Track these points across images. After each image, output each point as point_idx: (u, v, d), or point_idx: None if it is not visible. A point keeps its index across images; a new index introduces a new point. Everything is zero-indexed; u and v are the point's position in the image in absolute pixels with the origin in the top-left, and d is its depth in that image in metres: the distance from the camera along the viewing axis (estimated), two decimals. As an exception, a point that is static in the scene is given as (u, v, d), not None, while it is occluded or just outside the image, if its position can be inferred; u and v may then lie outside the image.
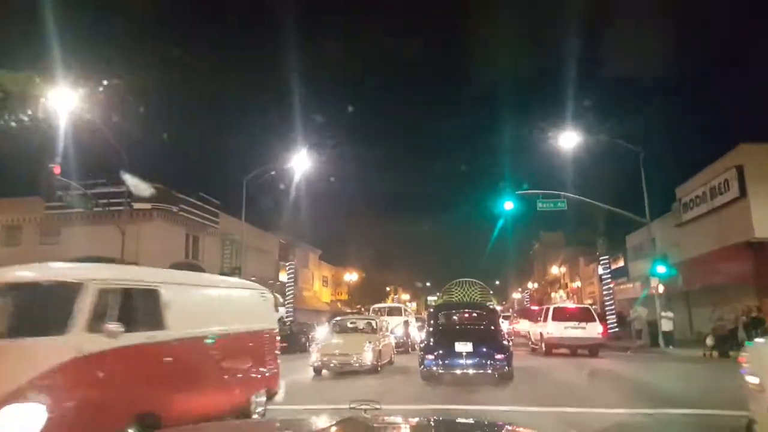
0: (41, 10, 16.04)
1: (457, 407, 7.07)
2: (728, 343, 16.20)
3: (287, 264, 30.31)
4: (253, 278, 30.45)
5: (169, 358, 3.91)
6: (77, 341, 3.41)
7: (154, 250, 21.11)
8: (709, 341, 16.03)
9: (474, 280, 19.47)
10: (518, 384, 9.52)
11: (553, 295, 51.42)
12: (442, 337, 9.87)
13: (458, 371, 9.22)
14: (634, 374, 11.18)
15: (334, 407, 4.27)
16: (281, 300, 31.19)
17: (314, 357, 11.48)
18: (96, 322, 3.54)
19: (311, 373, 11.55)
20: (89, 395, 3.38)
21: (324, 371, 11.61)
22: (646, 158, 20.31)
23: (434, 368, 9.28)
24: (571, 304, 24.62)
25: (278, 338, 5.92)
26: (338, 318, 15.34)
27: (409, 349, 19.27)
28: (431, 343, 9.83)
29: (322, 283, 47.65)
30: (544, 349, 17.35)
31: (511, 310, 42.18)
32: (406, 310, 22.05)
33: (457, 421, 2.57)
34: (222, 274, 24.99)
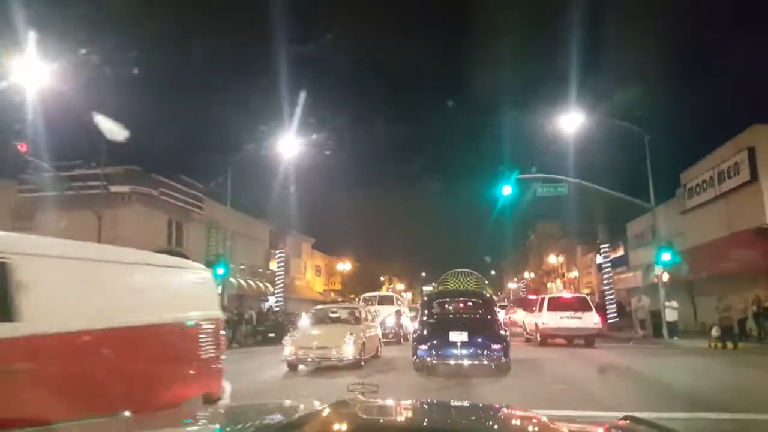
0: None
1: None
2: (735, 335, 15.50)
3: (277, 252, 29.37)
4: (242, 266, 29.70)
5: (22, 365, 2.65)
6: None
7: (133, 236, 19.98)
8: (715, 332, 15.34)
9: (470, 270, 19.24)
10: (518, 378, 8.87)
11: (549, 285, 50.76)
12: (436, 327, 9.53)
13: (452, 362, 8.91)
14: (644, 368, 10.29)
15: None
16: (271, 289, 30.40)
17: (287, 350, 10.22)
18: None
19: (284, 368, 10.43)
20: None
21: (300, 367, 10.54)
22: (650, 143, 19.37)
23: (427, 359, 8.92)
24: (567, 294, 24.16)
25: (222, 330, 4.70)
26: (318, 307, 13.95)
27: (401, 340, 18.42)
28: (424, 333, 9.48)
29: (315, 273, 46.74)
30: (539, 339, 17.02)
31: (506, 299, 41.49)
32: (398, 299, 21.11)
33: (454, 404, 2.45)
34: (207, 262, 24.20)
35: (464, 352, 8.81)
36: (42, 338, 2.71)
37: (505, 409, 1.97)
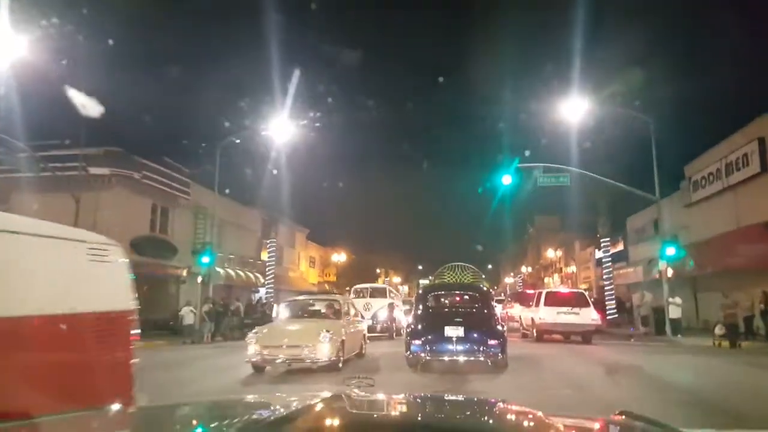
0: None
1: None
2: (741, 333, 14.84)
3: (268, 241, 28.49)
4: (231, 256, 28.85)
5: None
6: None
7: (114, 220, 19.09)
8: (719, 330, 14.73)
9: (467, 264, 19.04)
10: (515, 375, 8.33)
11: (546, 279, 50.15)
12: (431, 321, 9.20)
13: (447, 358, 8.62)
14: (654, 368, 9.47)
15: None
16: (262, 280, 29.57)
17: (251, 350, 8.66)
18: None
19: (249, 370, 8.93)
20: None
21: (268, 368, 8.98)
22: (654, 133, 18.53)
23: (421, 354, 8.62)
24: (564, 289, 23.63)
25: (133, 328, 3.64)
26: (292, 299, 12.32)
27: (394, 334, 17.66)
28: (419, 327, 9.17)
29: (309, 264, 45.95)
30: (535, 335, 16.60)
31: (503, 294, 40.82)
32: (391, 292, 20.29)
33: (449, 398, 2.41)
34: (193, 251, 23.33)
35: (460, 347, 8.50)
36: None
37: (500, 404, 1.96)
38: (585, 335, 15.69)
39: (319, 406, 1.70)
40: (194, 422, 1.75)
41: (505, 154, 18.62)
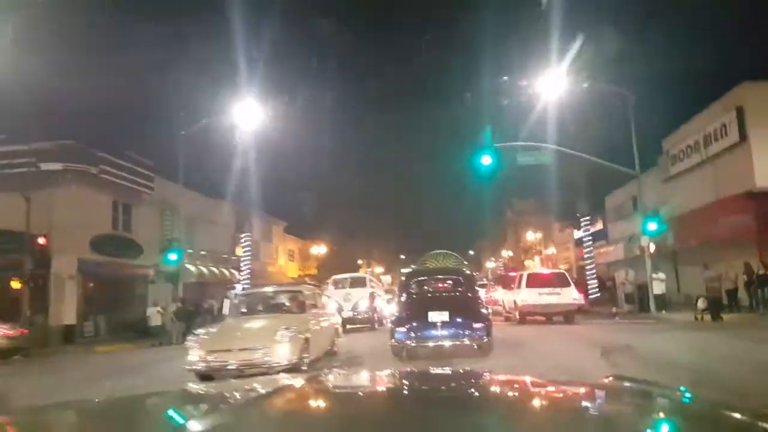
0: None
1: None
2: (723, 306, 14.72)
3: (243, 236, 27.40)
4: (203, 252, 27.64)
5: None
6: None
7: (71, 220, 17.85)
8: (701, 304, 14.59)
9: (449, 252, 19.39)
10: (507, 361, 8.03)
11: (527, 262, 50.30)
12: (415, 307, 9.08)
13: (432, 344, 8.42)
14: (646, 346, 9.03)
15: None
16: (237, 276, 28.51)
17: (193, 356, 7.14)
18: None
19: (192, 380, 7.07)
20: None
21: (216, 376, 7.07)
22: (633, 106, 18.18)
23: (407, 341, 8.42)
24: (545, 270, 23.46)
25: None
26: (248, 291, 11.28)
27: (375, 325, 17.01)
28: (403, 315, 9.08)
29: (288, 258, 44.95)
30: (518, 317, 16.48)
31: (485, 278, 40.68)
32: (371, 281, 19.57)
33: (436, 372, 2.37)
34: (161, 249, 22.09)
35: (445, 332, 8.35)
36: None
37: (486, 374, 1.96)
38: (567, 315, 15.79)
39: (301, 386, 1.69)
40: (171, 411, 1.60)
41: (484, 134, 17.92)
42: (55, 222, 17.68)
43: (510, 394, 1.67)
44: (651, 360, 7.54)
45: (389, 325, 9.53)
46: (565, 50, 17.06)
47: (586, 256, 23.48)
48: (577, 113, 20.17)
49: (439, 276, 11.50)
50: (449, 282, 10.61)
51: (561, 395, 1.58)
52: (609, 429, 1.22)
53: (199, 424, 1.27)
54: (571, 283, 16.62)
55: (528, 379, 1.68)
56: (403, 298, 9.81)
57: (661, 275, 17.24)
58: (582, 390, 1.61)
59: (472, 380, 1.91)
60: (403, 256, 72.14)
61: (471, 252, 75.17)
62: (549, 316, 16.15)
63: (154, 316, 17.91)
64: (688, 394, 1.51)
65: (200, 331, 8.03)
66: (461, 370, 2.62)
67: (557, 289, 15.89)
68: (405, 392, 1.69)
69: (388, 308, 18.26)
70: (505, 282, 21.92)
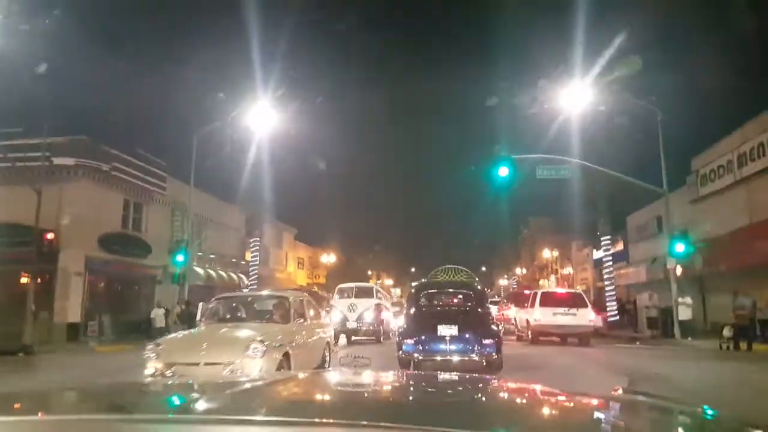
0: None
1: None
2: (751, 335, 13.80)
3: (252, 240, 27.06)
4: (212, 255, 27.34)
5: None
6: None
7: (80, 216, 17.66)
8: (727, 332, 13.70)
9: (460, 267, 19.12)
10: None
11: (542, 281, 49.06)
12: (424, 320, 8.97)
13: (440, 357, 8.29)
14: (683, 375, 8.19)
15: None
16: (245, 281, 28.12)
17: (149, 369, 6.12)
18: None
19: None
20: None
21: None
22: (661, 124, 17.44)
23: (414, 354, 8.30)
24: (560, 289, 22.59)
25: None
26: (226, 295, 9.68)
27: (381, 337, 16.34)
28: (411, 327, 8.98)
29: (297, 265, 44.52)
30: (530, 336, 15.88)
31: (497, 296, 39.64)
32: (378, 292, 18.91)
33: (445, 376, 2.29)
34: (170, 249, 21.81)
35: (453, 347, 8.24)
36: None
37: (494, 381, 1.99)
38: (582, 337, 15.16)
39: (309, 382, 1.75)
40: (181, 398, 1.55)
41: (502, 145, 17.35)
42: (65, 217, 17.50)
43: (518, 401, 1.64)
44: (688, 391, 6.74)
45: (397, 338, 9.32)
46: (591, 61, 16.49)
47: (606, 277, 22.51)
48: (603, 130, 19.47)
49: (449, 290, 11.38)
50: (459, 296, 10.50)
51: (571, 405, 1.52)
52: None
53: (197, 413, 1.28)
54: (588, 304, 16.02)
55: (538, 387, 1.65)
56: (412, 311, 9.67)
57: (688, 300, 16.30)
58: (592, 401, 1.57)
59: (482, 385, 1.91)
60: (413, 269, 71.35)
61: (483, 268, 74.09)
62: (563, 337, 15.64)
63: (159, 317, 17.55)
64: (710, 412, 1.41)
65: (163, 339, 6.99)
66: (468, 376, 2.64)
67: (573, 310, 15.24)
68: (410, 393, 1.70)
69: (396, 321, 17.63)
70: (519, 300, 21.16)
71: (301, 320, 7.94)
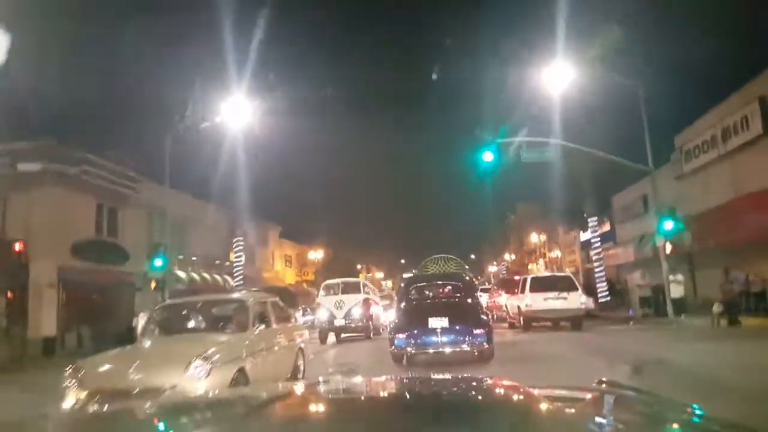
0: None
1: None
2: (739, 309, 13.79)
3: (235, 240, 26.39)
4: (194, 258, 26.56)
5: None
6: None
7: (51, 223, 16.82)
8: (716, 308, 13.70)
9: (450, 256, 19.08)
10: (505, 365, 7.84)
11: (530, 266, 49.21)
12: (415, 313, 9.13)
13: (432, 350, 8.51)
14: (687, 360, 7.82)
15: None
16: (231, 282, 27.43)
17: (71, 398, 4.95)
18: None
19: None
20: None
21: None
22: (644, 98, 17.18)
23: (407, 348, 8.49)
24: (550, 273, 22.47)
25: None
26: (170, 301, 8.49)
27: (371, 333, 15.93)
28: (402, 321, 9.11)
29: (284, 263, 43.88)
30: (522, 323, 15.66)
31: (487, 282, 39.55)
32: (366, 286, 18.47)
33: (436, 377, 2.40)
34: (149, 254, 21.00)
35: (445, 338, 8.38)
36: None
37: (488, 380, 2.01)
38: (575, 321, 14.97)
39: (301, 392, 1.74)
40: (173, 419, 1.54)
41: (485, 129, 16.97)
42: (35, 224, 16.67)
43: (507, 400, 1.67)
44: (699, 381, 6.20)
45: (388, 333, 9.52)
46: (572, 41, 16.12)
47: (594, 258, 22.43)
48: (583, 108, 19.18)
49: (438, 282, 11.41)
50: (449, 288, 10.55)
51: (560, 402, 1.54)
52: None
53: None
54: (579, 287, 15.86)
55: (528, 387, 1.66)
56: (402, 305, 9.73)
57: (679, 277, 16.23)
58: (576, 395, 1.61)
59: (470, 385, 1.96)
60: (403, 261, 71.18)
61: (472, 256, 74.28)
62: (555, 321, 15.44)
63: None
64: (698, 412, 1.35)
65: (87, 359, 5.64)
66: (459, 376, 2.65)
67: (563, 294, 15.07)
68: (404, 399, 1.73)
69: (385, 315, 17.22)
70: (509, 286, 20.96)
71: (263, 326, 6.73)
